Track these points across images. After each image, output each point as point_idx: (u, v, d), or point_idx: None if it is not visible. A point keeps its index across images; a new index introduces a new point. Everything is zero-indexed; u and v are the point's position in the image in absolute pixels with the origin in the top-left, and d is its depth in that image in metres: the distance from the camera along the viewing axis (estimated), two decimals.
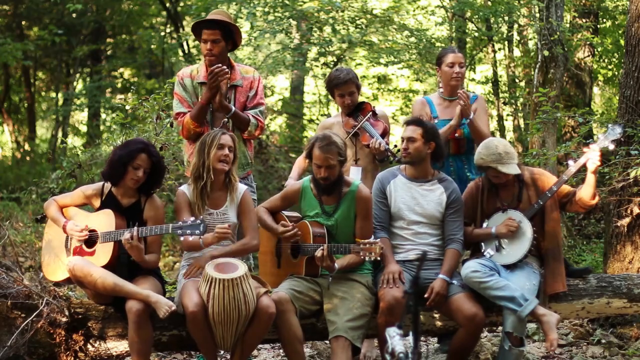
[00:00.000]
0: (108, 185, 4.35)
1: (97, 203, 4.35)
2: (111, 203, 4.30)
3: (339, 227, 4.31)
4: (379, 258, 4.08)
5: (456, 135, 4.86)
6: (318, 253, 4.12)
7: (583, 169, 4.38)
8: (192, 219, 4.05)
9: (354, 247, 4.12)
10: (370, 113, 4.90)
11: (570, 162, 4.41)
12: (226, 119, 4.59)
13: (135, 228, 4.09)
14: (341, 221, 4.31)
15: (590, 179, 4.32)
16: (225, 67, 4.45)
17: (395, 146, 4.72)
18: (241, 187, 4.37)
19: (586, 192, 4.35)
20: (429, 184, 4.44)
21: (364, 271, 4.35)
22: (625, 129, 4.85)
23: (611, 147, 4.43)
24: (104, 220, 4.24)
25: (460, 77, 4.97)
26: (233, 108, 4.56)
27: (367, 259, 4.07)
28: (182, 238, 4.07)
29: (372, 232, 4.31)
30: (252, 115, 4.63)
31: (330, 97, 5.33)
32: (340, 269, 4.24)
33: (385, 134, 4.87)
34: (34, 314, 4.18)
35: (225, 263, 4.06)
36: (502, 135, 10.94)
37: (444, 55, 5.02)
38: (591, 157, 4.30)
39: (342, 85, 4.88)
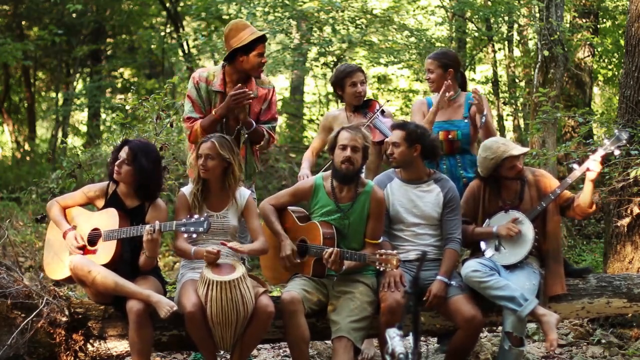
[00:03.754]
0: (112, 185, 4.36)
1: (100, 203, 4.35)
2: (115, 203, 4.30)
3: (351, 226, 4.29)
4: (395, 270, 4.07)
5: (449, 137, 4.86)
6: (326, 255, 4.12)
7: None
8: (197, 216, 4.05)
9: (369, 257, 4.11)
10: (380, 110, 4.90)
11: (575, 165, 4.41)
12: (240, 129, 4.58)
13: (157, 222, 4.09)
14: (354, 220, 4.29)
15: (588, 187, 4.33)
16: (250, 91, 4.45)
17: None
18: (245, 192, 4.36)
19: (584, 200, 4.36)
20: (425, 185, 4.43)
21: (369, 272, 4.33)
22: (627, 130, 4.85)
23: (617, 152, 4.45)
24: (108, 219, 4.24)
25: (431, 81, 4.96)
26: (254, 124, 4.57)
27: (382, 269, 4.06)
28: (185, 235, 4.08)
29: (382, 234, 4.31)
30: (266, 131, 4.64)
31: (330, 96, 5.30)
32: (348, 270, 4.24)
33: None
34: (34, 314, 4.18)
35: (223, 264, 4.06)
36: (502, 135, 10.92)
37: None
38: (592, 165, 4.31)
39: (354, 73, 4.93)
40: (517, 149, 4.36)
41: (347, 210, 4.29)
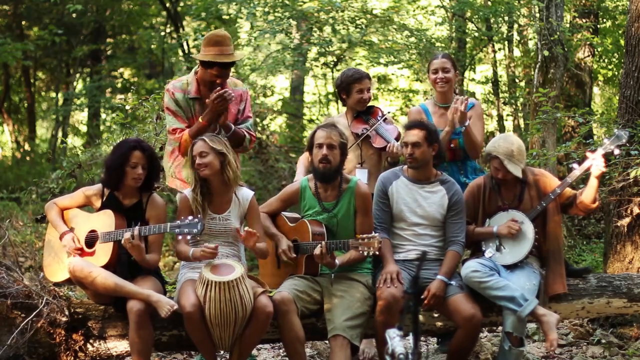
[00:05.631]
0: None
1: (97, 204, 4.35)
2: (112, 204, 4.30)
3: (340, 224, 4.30)
4: (377, 253, 4.07)
5: (452, 145, 4.84)
6: (317, 250, 4.12)
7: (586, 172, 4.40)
8: (190, 217, 4.05)
9: (352, 242, 4.11)
10: (382, 116, 4.89)
11: (575, 165, 4.41)
12: (219, 133, 4.55)
13: (136, 227, 4.10)
14: (341, 218, 4.30)
15: (593, 182, 4.33)
16: (232, 92, 4.43)
17: None
18: (247, 193, 4.34)
19: (588, 196, 4.36)
20: (431, 186, 4.43)
21: (364, 270, 4.35)
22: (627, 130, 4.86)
23: (616, 152, 4.44)
24: (104, 221, 4.24)
25: (446, 81, 4.87)
26: (233, 127, 4.53)
27: (365, 253, 4.07)
28: (180, 237, 4.07)
29: (372, 228, 4.30)
30: (245, 131, 4.61)
31: (330, 97, 5.30)
32: (342, 265, 4.24)
33: (399, 138, 4.87)
34: (34, 314, 4.18)
35: (222, 265, 4.06)
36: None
37: (430, 62, 5.01)
38: (596, 162, 4.31)
39: (363, 79, 4.90)
40: (512, 166, 4.33)
41: (332, 209, 4.30)
